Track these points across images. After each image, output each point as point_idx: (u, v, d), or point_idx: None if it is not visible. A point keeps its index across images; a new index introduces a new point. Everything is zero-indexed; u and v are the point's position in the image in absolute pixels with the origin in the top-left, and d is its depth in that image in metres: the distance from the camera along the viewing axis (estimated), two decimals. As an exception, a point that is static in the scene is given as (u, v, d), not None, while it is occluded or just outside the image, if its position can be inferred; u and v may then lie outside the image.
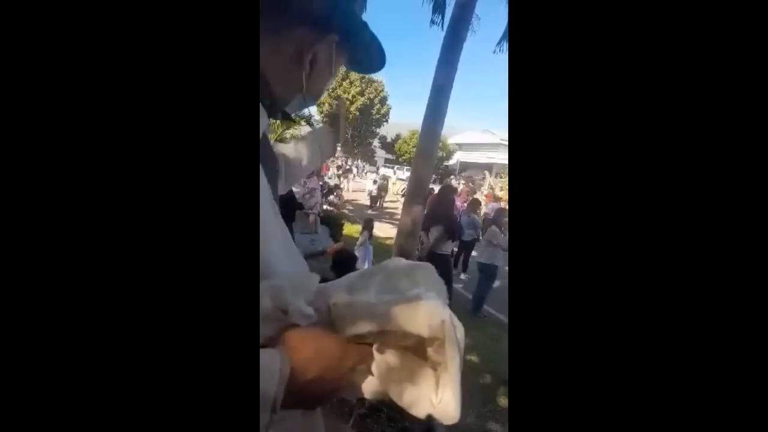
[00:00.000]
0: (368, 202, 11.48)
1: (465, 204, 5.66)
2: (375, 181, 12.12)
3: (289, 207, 4.25)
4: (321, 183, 6.85)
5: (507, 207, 4.68)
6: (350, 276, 0.42)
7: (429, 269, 0.42)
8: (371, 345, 0.37)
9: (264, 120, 0.47)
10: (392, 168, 25.66)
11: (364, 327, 0.36)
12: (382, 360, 0.37)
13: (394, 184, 18.00)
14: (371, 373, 0.37)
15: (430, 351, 0.36)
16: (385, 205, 12.29)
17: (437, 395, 0.35)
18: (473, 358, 3.07)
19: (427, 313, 0.35)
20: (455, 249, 4.86)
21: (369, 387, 0.37)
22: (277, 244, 0.40)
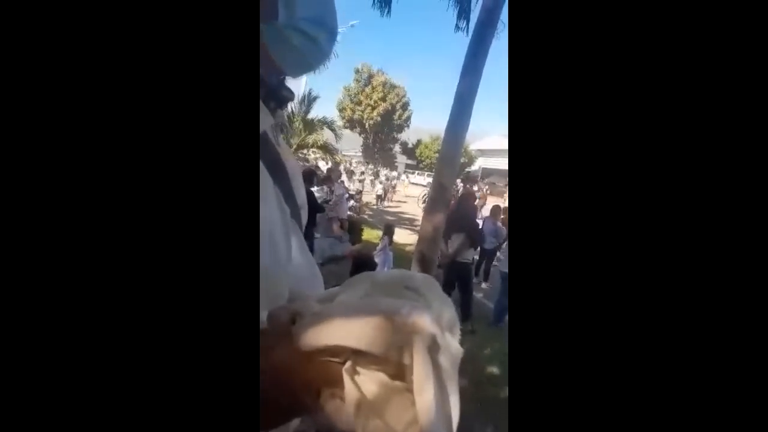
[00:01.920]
0: (375, 202, 13.52)
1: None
2: (381, 182, 14.52)
3: (310, 210, 4.27)
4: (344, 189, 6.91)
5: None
6: (335, 288, 0.37)
7: (430, 281, 0.36)
8: (343, 364, 0.31)
9: (266, 117, 0.44)
10: (405, 173, 26.07)
11: (323, 339, 0.30)
12: (352, 384, 0.30)
13: (406, 186, 19.64)
14: (342, 400, 0.30)
15: (408, 374, 0.29)
16: (389, 205, 14.11)
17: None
18: (494, 369, 3.00)
19: (397, 329, 0.29)
20: (476, 257, 4.78)
21: (339, 413, 0.31)
22: (268, 253, 0.38)
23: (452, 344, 0.31)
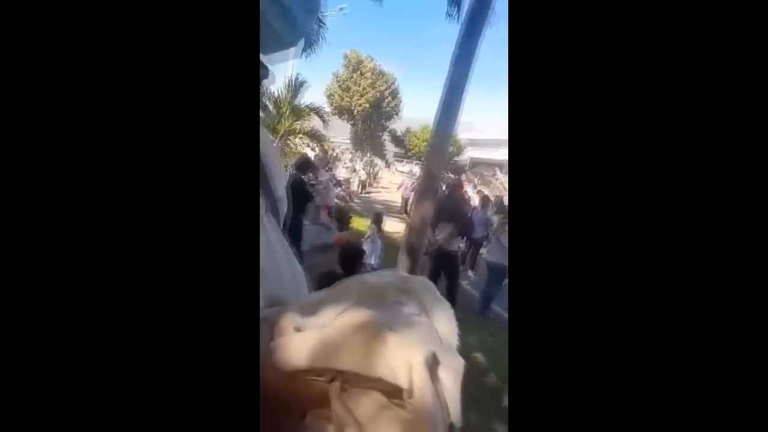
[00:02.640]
0: (358, 188, 14.10)
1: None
2: (364, 168, 15.67)
3: (299, 198, 4.22)
4: (331, 176, 6.88)
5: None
6: (322, 292, 0.34)
7: (426, 284, 0.34)
8: (331, 382, 0.28)
9: None
10: (395, 161, 26.53)
11: (307, 360, 0.28)
12: (341, 404, 0.27)
13: (392, 174, 20.86)
14: (330, 420, 0.28)
15: (406, 395, 0.26)
16: (371, 191, 15.04)
17: None
18: (478, 357, 3.06)
19: (389, 346, 0.26)
20: (462, 245, 4.82)
21: None
22: None
23: (453, 356, 0.28)
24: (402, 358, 0.26)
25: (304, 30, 0.43)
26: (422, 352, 0.26)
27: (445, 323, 0.31)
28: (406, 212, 10.17)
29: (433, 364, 0.26)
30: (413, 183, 11.21)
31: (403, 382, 0.25)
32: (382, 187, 16.31)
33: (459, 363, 0.28)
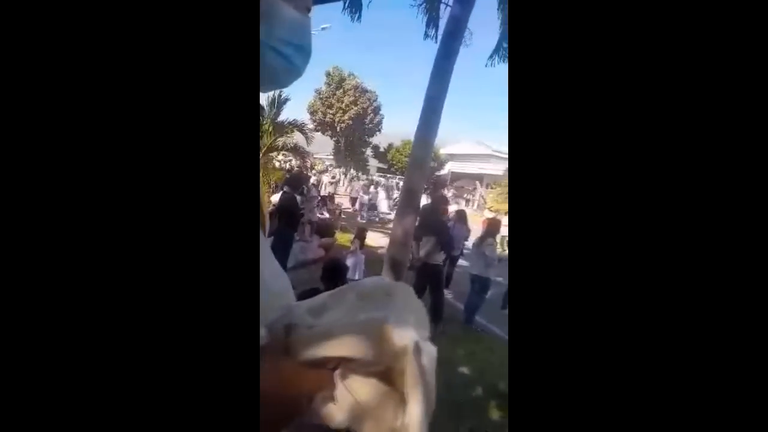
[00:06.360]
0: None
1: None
2: (334, 177, 16.17)
3: (292, 215, 4.17)
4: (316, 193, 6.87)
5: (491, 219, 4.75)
6: (321, 296, 0.41)
7: (406, 290, 0.41)
8: (335, 370, 0.35)
9: None
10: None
11: (321, 351, 0.34)
12: (344, 387, 0.34)
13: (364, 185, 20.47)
14: (334, 401, 0.34)
15: (396, 377, 0.34)
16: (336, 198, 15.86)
17: (400, 424, 0.33)
18: (465, 370, 3.05)
19: (388, 338, 0.33)
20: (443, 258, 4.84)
21: (332, 415, 0.34)
22: None
23: (428, 345, 0.35)
24: (396, 345, 0.33)
25: (299, 74, 0.47)
26: (412, 340, 0.33)
27: (420, 318, 0.38)
28: (353, 209, 11.98)
29: (416, 350, 0.33)
30: (360, 186, 13.94)
31: (396, 363, 0.33)
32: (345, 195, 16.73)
33: (433, 350, 0.36)
